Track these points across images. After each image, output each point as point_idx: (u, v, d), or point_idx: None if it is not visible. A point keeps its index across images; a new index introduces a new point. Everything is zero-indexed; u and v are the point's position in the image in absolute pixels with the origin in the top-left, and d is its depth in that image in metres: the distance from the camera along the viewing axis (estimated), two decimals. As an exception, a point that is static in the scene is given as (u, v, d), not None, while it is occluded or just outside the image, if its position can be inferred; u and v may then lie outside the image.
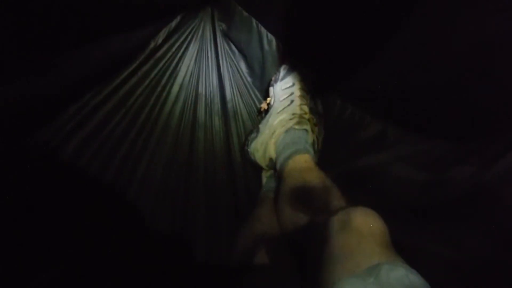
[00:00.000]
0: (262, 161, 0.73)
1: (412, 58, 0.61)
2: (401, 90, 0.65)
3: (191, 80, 0.83)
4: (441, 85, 0.58)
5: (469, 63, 0.53)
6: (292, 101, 0.73)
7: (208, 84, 0.85)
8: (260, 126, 0.75)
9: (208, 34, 0.85)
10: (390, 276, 0.34)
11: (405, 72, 0.63)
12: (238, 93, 0.85)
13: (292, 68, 0.78)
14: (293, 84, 0.75)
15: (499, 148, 0.51)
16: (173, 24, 0.81)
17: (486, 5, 0.47)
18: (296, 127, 0.69)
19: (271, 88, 0.79)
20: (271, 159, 0.70)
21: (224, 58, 0.86)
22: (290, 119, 0.70)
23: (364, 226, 0.41)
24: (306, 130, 0.69)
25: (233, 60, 0.86)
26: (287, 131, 0.69)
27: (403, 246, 0.43)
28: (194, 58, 0.84)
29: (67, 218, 0.61)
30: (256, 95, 0.86)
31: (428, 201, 0.57)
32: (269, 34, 0.80)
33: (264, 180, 0.75)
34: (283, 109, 0.73)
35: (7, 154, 0.58)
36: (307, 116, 0.71)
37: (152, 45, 0.79)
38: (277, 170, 0.67)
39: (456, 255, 0.48)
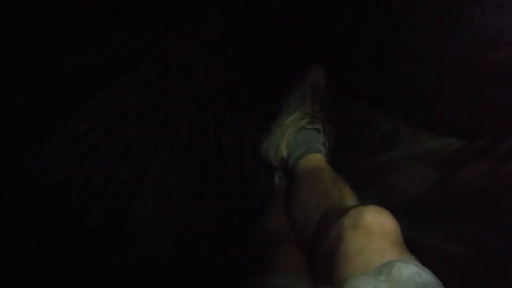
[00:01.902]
0: (274, 161, 0.73)
1: (423, 55, 0.61)
2: (412, 88, 0.65)
3: (202, 83, 0.84)
4: (452, 82, 0.58)
5: (480, 60, 0.53)
6: (303, 100, 0.73)
7: (219, 86, 0.85)
8: (272, 125, 0.75)
9: (220, 35, 0.86)
10: (401, 274, 0.34)
11: (416, 70, 0.63)
12: (249, 93, 0.85)
13: (303, 68, 0.78)
14: (304, 84, 0.76)
15: (510, 145, 0.50)
16: (184, 27, 0.82)
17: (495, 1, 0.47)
18: (308, 126, 0.69)
19: (282, 88, 0.79)
20: (282, 158, 0.70)
21: (235, 58, 0.86)
22: (302, 118, 0.70)
23: (375, 224, 0.41)
24: (317, 129, 0.69)
25: (244, 62, 0.86)
26: (298, 130, 0.69)
27: (415, 244, 0.43)
28: (205, 59, 0.85)
29: (70, 224, 0.59)
30: (267, 95, 0.86)
31: (440, 199, 0.57)
32: (279, 34, 0.81)
33: (276, 179, 0.75)
34: (294, 108, 0.73)
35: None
36: (318, 115, 0.71)
37: (162, 48, 0.80)
38: (288, 170, 0.68)
39: (469, 253, 0.48)
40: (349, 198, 0.53)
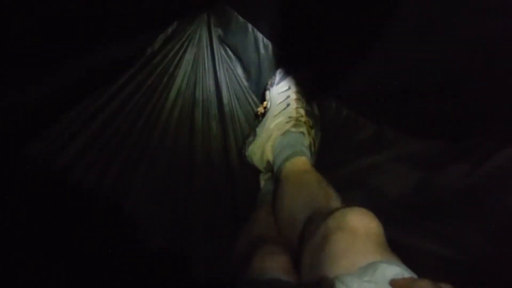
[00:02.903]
0: (259, 164, 0.73)
1: (406, 60, 0.62)
2: (396, 92, 0.66)
3: (188, 85, 0.84)
4: (435, 86, 0.59)
5: (462, 64, 0.54)
6: (288, 104, 0.74)
7: (205, 89, 0.85)
8: (257, 129, 0.76)
9: (205, 40, 0.86)
10: (385, 274, 0.35)
11: (399, 74, 0.64)
12: (235, 97, 0.86)
13: (288, 72, 0.79)
14: (289, 88, 0.76)
15: (490, 147, 0.52)
16: (170, 30, 0.82)
17: (476, 6, 0.48)
18: (293, 130, 0.69)
19: (267, 92, 0.79)
20: (268, 162, 0.70)
21: (220, 63, 0.86)
22: (287, 122, 0.71)
23: (360, 226, 0.42)
24: (302, 132, 0.69)
25: (229, 65, 0.87)
26: (283, 134, 0.70)
27: (399, 245, 0.43)
28: (191, 63, 0.85)
29: (62, 231, 0.60)
30: (253, 99, 0.86)
31: (424, 200, 0.58)
32: (265, 39, 0.81)
33: (262, 183, 0.75)
34: (280, 112, 0.73)
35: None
36: (303, 119, 0.71)
37: (149, 51, 0.80)
38: (274, 173, 0.68)
39: (452, 253, 0.49)
40: (334, 200, 0.54)
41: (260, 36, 0.82)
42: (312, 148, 0.70)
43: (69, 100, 0.69)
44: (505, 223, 0.46)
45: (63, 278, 0.55)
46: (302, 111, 0.73)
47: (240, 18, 0.82)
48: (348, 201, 0.55)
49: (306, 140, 0.69)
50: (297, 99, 0.74)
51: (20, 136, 0.62)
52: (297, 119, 0.71)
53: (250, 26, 0.81)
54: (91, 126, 0.71)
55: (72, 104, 0.69)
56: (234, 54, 0.87)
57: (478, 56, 0.52)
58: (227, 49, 0.87)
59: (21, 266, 0.52)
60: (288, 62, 0.81)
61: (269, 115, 0.75)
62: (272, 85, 0.79)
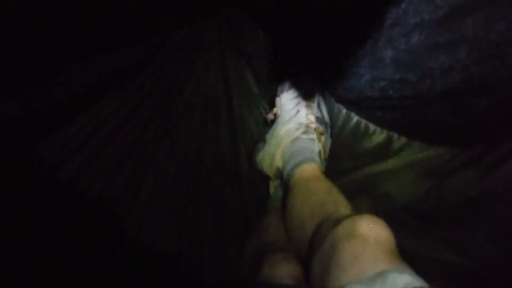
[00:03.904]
0: (269, 171, 0.74)
1: (414, 67, 0.62)
2: (405, 98, 0.66)
3: (198, 91, 0.84)
4: (443, 93, 0.59)
5: (469, 71, 0.54)
6: (298, 111, 0.74)
7: (216, 95, 0.86)
8: (267, 136, 0.76)
9: (216, 45, 0.86)
10: (396, 283, 0.35)
11: (408, 81, 0.64)
12: (245, 104, 0.86)
13: (298, 79, 0.79)
14: (299, 94, 0.77)
15: (500, 154, 0.52)
16: (181, 36, 0.82)
17: (487, 12, 0.48)
18: (303, 136, 0.70)
19: (277, 99, 0.80)
20: (278, 168, 0.71)
21: (231, 69, 0.87)
22: (297, 128, 0.71)
23: (370, 233, 0.42)
24: (312, 139, 0.70)
25: (240, 72, 0.87)
26: (293, 140, 0.70)
27: (409, 253, 0.44)
28: (201, 69, 0.85)
29: (67, 238, 0.59)
30: (263, 106, 0.87)
31: (433, 207, 0.58)
32: (275, 45, 0.82)
33: (271, 189, 0.76)
34: (290, 119, 0.74)
35: (5, 171, 0.57)
36: (313, 126, 0.72)
37: (159, 57, 0.81)
38: (284, 180, 0.68)
39: (462, 261, 0.49)
40: (344, 208, 0.54)
41: (270, 42, 0.82)
42: (322, 155, 0.70)
43: (79, 105, 0.69)
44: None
45: (68, 284, 0.55)
46: (312, 118, 0.73)
47: (251, 24, 0.82)
48: (358, 208, 0.55)
49: (316, 147, 0.69)
50: (307, 106, 0.75)
51: (27, 142, 0.62)
52: (307, 126, 0.71)
53: (260, 32, 0.82)
54: (102, 132, 0.71)
55: (82, 109, 0.69)
56: (245, 60, 0.87)
57: (485, 64, 0.52)
58: (238, 55, 0.87)
59: (24, 271, 0.52)
60: (298, 69, 0.81)
61: (279, 121, 0.76)
62: (282, 92, 0.79)
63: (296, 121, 0.73)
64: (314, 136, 0.70)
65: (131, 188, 0.72)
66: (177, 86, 0.83)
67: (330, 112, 0.80)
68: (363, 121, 0.75)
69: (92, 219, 0.65)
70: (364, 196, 0.66)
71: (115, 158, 0.72)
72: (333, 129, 0.78)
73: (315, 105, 0.77)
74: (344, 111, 0.79)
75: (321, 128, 0.73)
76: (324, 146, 0.71)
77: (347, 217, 0.46)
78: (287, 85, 0.79)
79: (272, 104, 0.82)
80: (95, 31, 0.62)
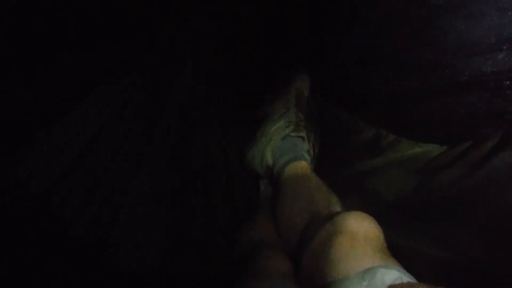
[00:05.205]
0: (259, 169, 0.74)
1: (402, 64, 0.62)
2: (392, 96, 0.67)
3: (189, 89, 0.84)
4: (430, 90, 0.60)
5: (456, 68, 0.54)
6: (288, 109, 0.74)
7: (206, 93, 0.85)
8: (257, 134, 0.76)
9: (207, 44, 0.86)
10: (384, 279, 0.35)
11: (396, 79, 0.64)
12: (235, 101, 0.86)
13: (288, 76, 0.79)
14: (289, 92, 0.77)
15: (485, 151, 0.52)
16: (173, 33, 0.82)
17: (470, 10, 0.49)
18: (292, 134, 0.70)
19: (267, 96, 0.80)
20: (268, 166, 0.71)
21: (222, 66, 0.87)
22: (287, 126, 0.71)
23: (359, 230, 0.42)
24: (302, 137, 0.70)
25: (231, 69, 0.87)
26: (283, 138, 0.70)
27: (398, 249, 0.44)
28: (192, 67, 0.85)
29: (42, 251, 0.55)
30: (253, 103, 0.87)
31: (421, 204, 0.59)
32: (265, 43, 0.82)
33: (261, 187, 0.76)
34: (279, 116, 0.74)
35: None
36: (303, 123, 0.72)
37: (150, 54, 0.80)
38: (274, 177, 0.68)
39: (450, 256, 0.49)
40: (334, 205, 0.55)
41: (261, 40, 0.82)
42: (312, 153, 0.70)
43: (68, 101, 0.68)
44: (502, 225, 0.47)
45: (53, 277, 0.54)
46: (301, 115, 0.73)
47: (240, 21, 0.82)
48: (347, 205, 0.56)
49: (306, 145, 0.69)
50: (297, 103, 0.75)
51: (13, 140, 0.59)
52: (297, 124, 0.71)
53: (250, 29, 0.82)
54: (92, 126, 0.70)
55: (71, 105, 0.68)
56: (235, 58, 0.87)
57: (471, 60, 0.52)
58: (228, 51, 0.87)
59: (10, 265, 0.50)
60: (288, 66, 0.81)
61: (268, 119, 0.76)
62: (271, 89, 0.79)
63: (286, 119, 0.73)
64: (304, 133, 0.70)
65: (119, 187, 0.71)
66: (167, 83, 0.82)
67: (319, 109, 0.81)
68: (352, 118, 0.76)
69: (77, 222, 0.64)
70: (353, 193, 0.66)
71: (105, 151, 0.71)
72: (323, 127, 0.79)
73: (304, 102, 0.77)
74: (333, 108, 0.79)
75: (311, 126, 0.73)
76: (314, 144, 0.72)
77: (336, 214, 0.46)
78: (277, 82, 0.79)
79: (262, 102, 0.82)
80: (87, 27, 0.61)
